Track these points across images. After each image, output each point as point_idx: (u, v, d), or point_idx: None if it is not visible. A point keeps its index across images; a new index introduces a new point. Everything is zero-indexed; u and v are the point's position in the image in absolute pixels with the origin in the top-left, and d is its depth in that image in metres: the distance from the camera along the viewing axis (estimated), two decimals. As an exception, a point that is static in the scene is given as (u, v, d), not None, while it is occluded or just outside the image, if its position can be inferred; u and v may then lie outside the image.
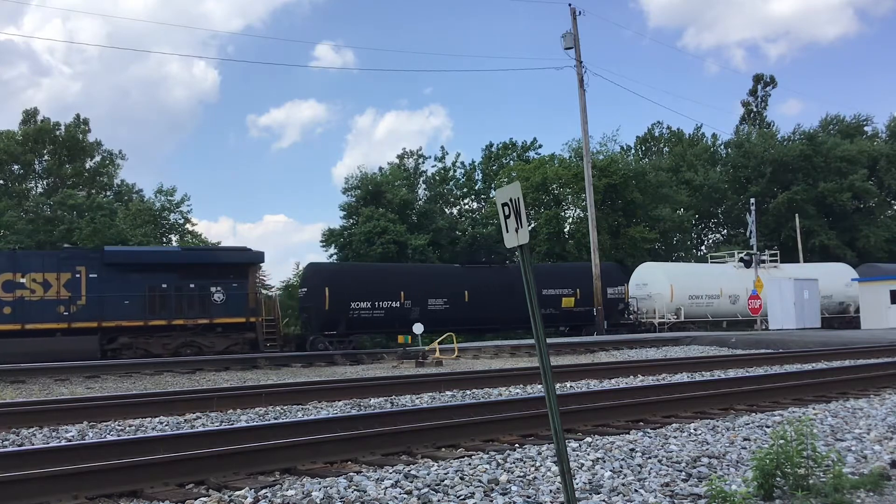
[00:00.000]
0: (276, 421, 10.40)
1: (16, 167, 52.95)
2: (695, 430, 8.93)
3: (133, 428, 10.14)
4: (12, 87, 78.94)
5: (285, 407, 12.14)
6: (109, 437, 9.31)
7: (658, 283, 40.05)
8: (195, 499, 6.23)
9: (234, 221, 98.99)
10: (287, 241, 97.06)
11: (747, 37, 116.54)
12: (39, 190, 53.67)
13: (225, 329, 28.26)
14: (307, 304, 31.91)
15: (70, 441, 9.09)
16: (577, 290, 35.79)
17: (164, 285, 27.49)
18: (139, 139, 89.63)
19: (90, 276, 26.81)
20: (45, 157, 53.20)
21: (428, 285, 32.67)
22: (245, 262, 29.51)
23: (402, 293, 31.51)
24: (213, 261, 29.45)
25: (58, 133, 53.14)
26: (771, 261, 44.06)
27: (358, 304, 30.68)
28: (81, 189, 52.42)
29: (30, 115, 53.63)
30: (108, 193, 54.60)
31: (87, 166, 55.55)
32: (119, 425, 10.29)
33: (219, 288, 28.21)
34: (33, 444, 8.93)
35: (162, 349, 27.01)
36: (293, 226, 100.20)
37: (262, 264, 31.22)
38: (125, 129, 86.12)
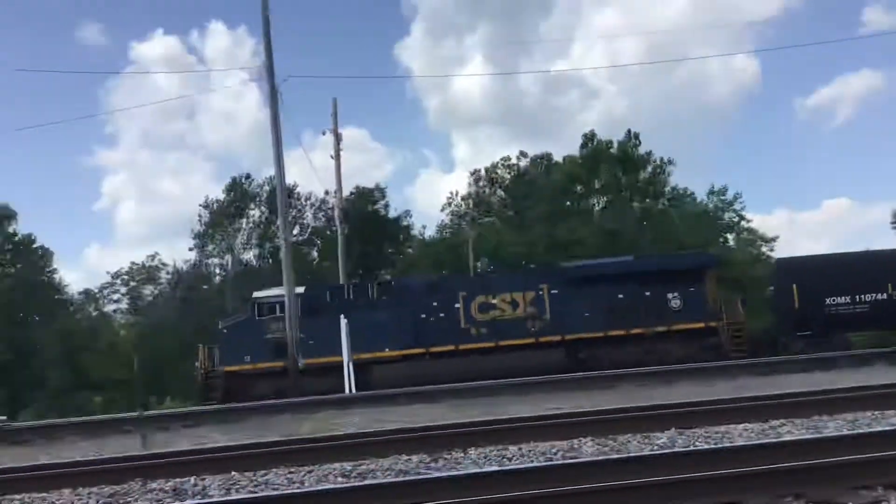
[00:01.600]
0: (868, 430, 9.75)
1: (579, 188, 58.19)
2: None
3: (719, 434, 10.36)
4: (567, 111, 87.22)
5: (876, 413, 11.26)
6: (699, 446, 9.65)
7: None
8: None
9: (789, 212, 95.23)
10: (849, 226, 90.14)
11: None
12: (600, 206, 58.14)
13: (682, 335, 27.87)
14: (776, 303, 30.92)
15: (661, 447, 9.66)
16: None
17: (621, 295, 28.01)
18: (685, 142, 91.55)
19: (552, 292, 28.28)
20: (602, 175, 57.52)
21: None
22: (699, 267, 29.53)
23: (890, 284, 27.85)
24: (667, 267, 29.43)
25: (611, 150, 57.12)
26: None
27: (834, 300, 28.04)
28: (637, 201, 55.49)
29: (587, 138, 58.61)
30: (663, 201, 56.84)
31: (640, 177, 58.59)
32: (706, 432, 10.60)
33: (675, 294, 28.14)
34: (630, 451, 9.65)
35: (626, 358, 26.92)
36: (856, 208, 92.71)
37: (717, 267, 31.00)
38: (671, 136, 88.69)
